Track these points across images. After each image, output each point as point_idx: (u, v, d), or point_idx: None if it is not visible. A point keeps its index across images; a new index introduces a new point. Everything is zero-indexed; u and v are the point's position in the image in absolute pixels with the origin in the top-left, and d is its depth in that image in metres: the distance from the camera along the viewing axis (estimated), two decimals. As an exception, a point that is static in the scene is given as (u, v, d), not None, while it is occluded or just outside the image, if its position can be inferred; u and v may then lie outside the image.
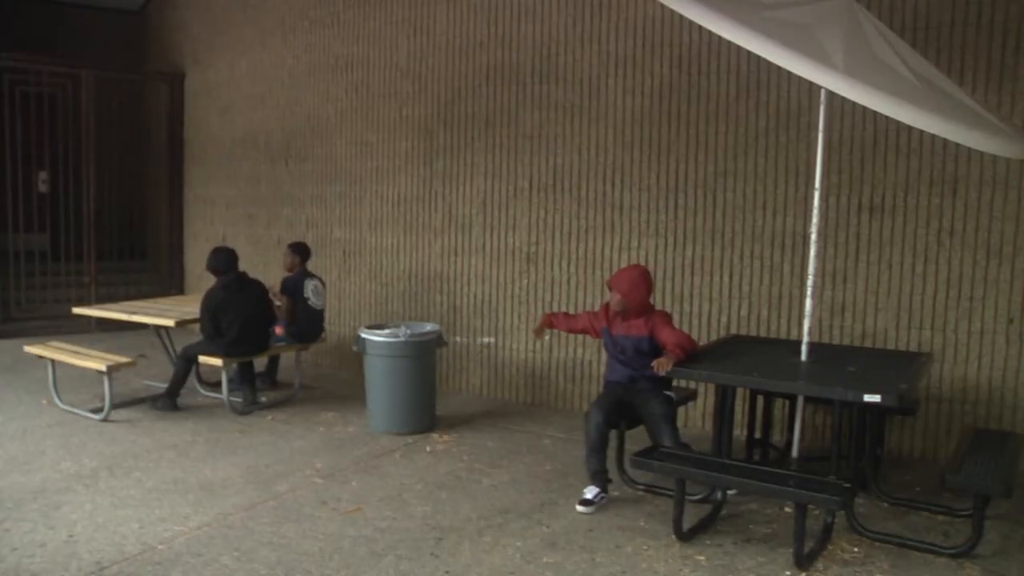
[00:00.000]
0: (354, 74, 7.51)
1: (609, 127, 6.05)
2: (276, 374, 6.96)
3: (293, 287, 6.52)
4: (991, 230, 4.86)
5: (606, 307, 4.61)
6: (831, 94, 3.77)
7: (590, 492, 4.31)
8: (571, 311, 6.27)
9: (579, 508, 4.26)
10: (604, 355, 6.04)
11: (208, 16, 9.49)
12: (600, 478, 4.34)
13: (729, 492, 4.29)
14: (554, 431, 5.76)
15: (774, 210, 5.47)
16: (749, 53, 3.43)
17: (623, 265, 6.03)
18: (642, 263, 5.95)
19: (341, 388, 6.87)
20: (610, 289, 4.53)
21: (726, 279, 5.68)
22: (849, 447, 4.19)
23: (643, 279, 4.48)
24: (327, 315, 6.95)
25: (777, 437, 5.24)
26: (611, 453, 4.60)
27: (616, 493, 4.47)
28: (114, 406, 5.85)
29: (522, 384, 6.58)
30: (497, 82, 6.55)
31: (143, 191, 10.61)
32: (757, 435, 4.88)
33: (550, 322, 4.92)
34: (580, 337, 6.23)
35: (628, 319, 4.47)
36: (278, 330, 6.43)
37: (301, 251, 6.72)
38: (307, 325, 6.57)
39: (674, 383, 4.72)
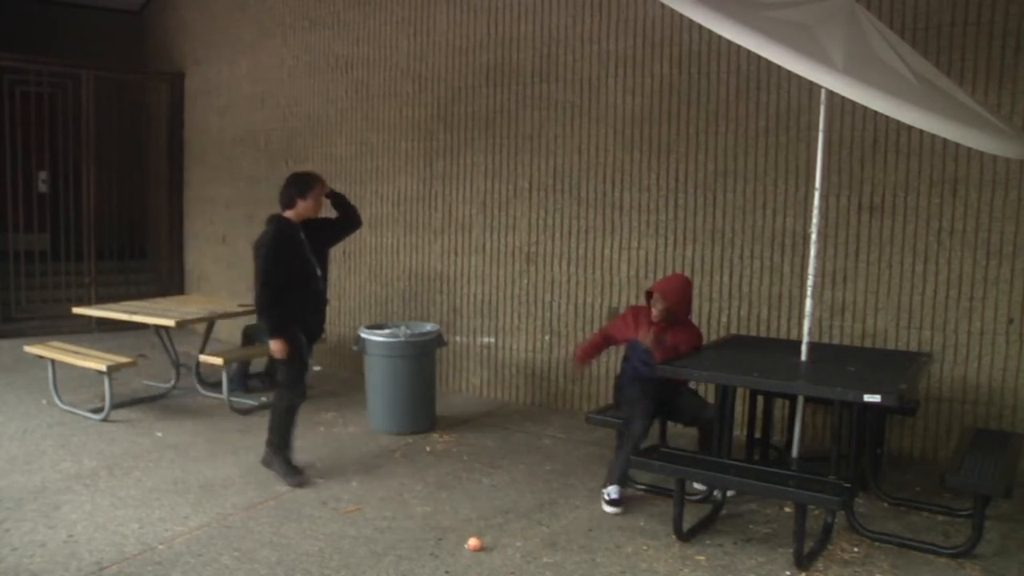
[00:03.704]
0: (354, 74, 7.51)
1: (609, 127, 6.05)
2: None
3: None
4: (991, 230, 4.86)
5: (635, 315, 4.57)
6: (831, 94, 3.77)
7: (616, 491, 4.29)
8: (571, 311, 6.28)
9: (610, 509, 4.24)
10: (603, 355, 6.04)
11: (208, 16, 9.49)
12: (626, 478, 4.38)
13: (728, 493, 4.30)
14: (554, 431, 5.75)
15: (774, 210, 5.47)
16: (749, 53, 3.44)
17: (623, 265, 6.04)
18: (642, 263, 5.96)
19: (341, 388, 6.87)
20: (649, 297, 4.53)
21: (726, 279, 5.68)
22: (849, 447, 4.19)
23: (689, 288, 4.61)
24: (327, 315, 6.94)
25: (777, 437, 5.23)
26: (610, 453, 4.61)
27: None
28: (114, 406, 5.86)
29: (522, 384, 6.58)
30: (497, 82, 6.55)
31: (143, 191, 10.61)
32: (757, 435, 4.88)
33: (586, 358, 4.75)
34: (580, 337, 6.23)
35: (673, 326, 4.48)
36: None
37: None
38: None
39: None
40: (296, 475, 4.60)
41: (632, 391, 4.48)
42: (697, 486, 4.33)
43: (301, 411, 6.11)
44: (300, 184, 4.74)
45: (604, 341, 4.75)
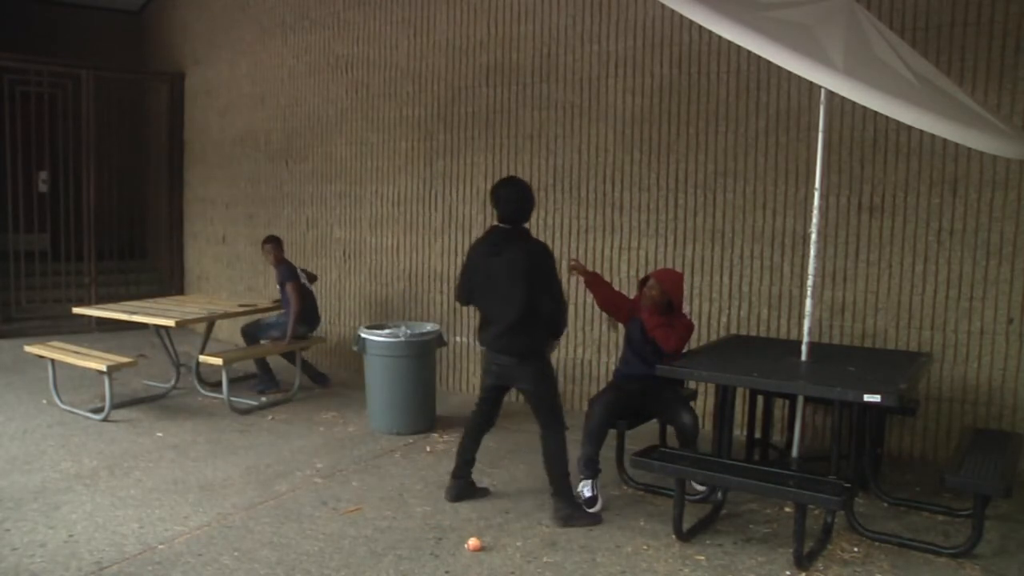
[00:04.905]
0: (354, 74, 7.51)
1: (609, 127, 6.05)
2: (312, 368, 6.87)
3: (292, 275, 6.45)
4: (991, 230, 4.86)
5: (638, 301, 4.60)
6: (831, 94, 3.77)
7: (589, 488, 4.28)
8: (571, 311, 6.25)
9: (587, 510, 4.23)
10: (603, 355, 6.07)
11: (208, 16, 9.49)
12: (594, 466, 4.33)
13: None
14: (554, 431, 5.75)
15: (774, 210, 5.47)
16: (749, 53, 3.44)
17: (623, 265, 6.05)
18: (642, 263, 5.96)
19: (341, 388, 6.86)
20: (642, 285, 4.53)
21: (726, 279, 5.67)
22: (849, 447, 4.19)
23: (683, 282, 4.64)
24: (327, 315, 6.94)
25: (777, 437, 5.23)
26: (611, 453, 4.60)
27: (616, 493, 4.47)
28: (114, 406, 5.86)
29: (522, 384, 6.56)
30: (497, 82, 6.55)
31: (143, 191, 10.62)
32: (757, 435, 4.88)
33: (594, 281, 4.79)
34: (580, 336, 6.23)
35: (661, 316, 4.45)
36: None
37: (280, 242, 6.70)
38: (308, 308, 6.54)
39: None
40: (596, 515, 4.18)
41: (608, 386, 4.59)
42: (697, 486, 4.33)
43: (301, 411, 6.16)
44: (532, 196, 4.29)
45: (616, 296, 4.79)
